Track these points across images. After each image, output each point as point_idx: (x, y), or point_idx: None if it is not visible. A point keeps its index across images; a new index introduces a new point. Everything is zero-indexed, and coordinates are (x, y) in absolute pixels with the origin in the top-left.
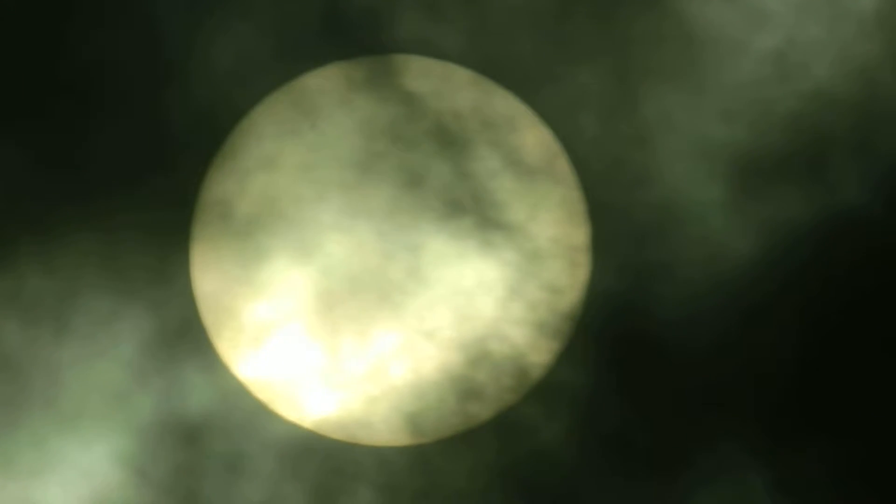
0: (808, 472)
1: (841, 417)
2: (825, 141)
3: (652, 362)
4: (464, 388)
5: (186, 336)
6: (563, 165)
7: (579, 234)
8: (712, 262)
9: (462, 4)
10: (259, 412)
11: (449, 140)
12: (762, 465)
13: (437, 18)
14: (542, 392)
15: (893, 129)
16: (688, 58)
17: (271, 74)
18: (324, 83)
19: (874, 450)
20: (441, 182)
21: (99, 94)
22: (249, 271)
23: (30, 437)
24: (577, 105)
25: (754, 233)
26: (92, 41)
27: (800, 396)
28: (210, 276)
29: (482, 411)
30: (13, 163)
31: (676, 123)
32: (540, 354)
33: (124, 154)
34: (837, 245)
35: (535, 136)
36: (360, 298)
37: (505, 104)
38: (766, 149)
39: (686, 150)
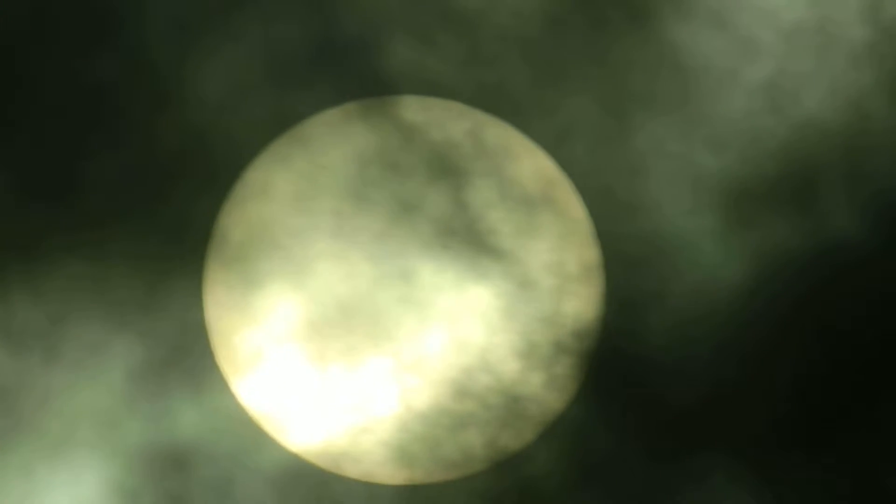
0: (794, 497)
1: (831, 442)
2: (816, 171)
3: (642, 390)
4: (455, 417)
5: (176, 364)
6: (565, 191)
7: (575, 263)
8: (703, 290)
9: (453, 33)
10: (249, 439)
11: (443, 168)
12: (751, 491)
13: (429, 45)
14: (534, 422)
15: (884, 159)
16: (679, 88)
17: (263, 102)
18: (317, 112)
19: (862, 469)
20: (436, 210)
21: (89, 121)
22: (241, 299)
23: (19, 464)
24: (568, 134)
25: (745, 261)
26: (83, 68)
27: (791, 426)
28: (201, 304)
29: (473, 441)
30: (1, 189)
31: (668, 152)
32: (532, 384)
33: (115, 182)
34: (828, 274)
35: (532, 164)
36: (353, 326)
37: (499, 133)
38: (756, 178)
39: (677, 179)
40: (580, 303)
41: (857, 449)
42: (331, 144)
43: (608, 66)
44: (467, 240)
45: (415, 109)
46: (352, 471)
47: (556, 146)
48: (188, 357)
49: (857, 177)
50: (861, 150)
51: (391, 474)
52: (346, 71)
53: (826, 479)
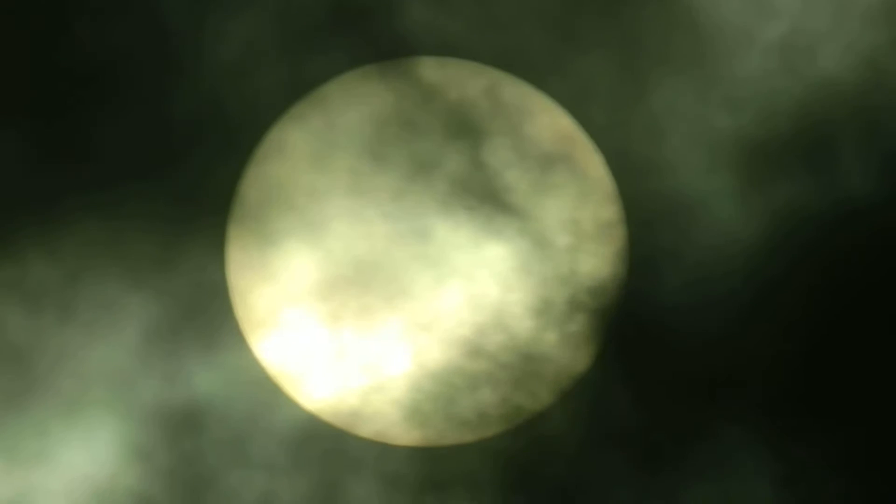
0: (812, 462)
1: (847, 405)
2: (832, 129)
3: (659, 349)
4: (469, 376)
5: (191, 323)
6: (584, 149)
7: (592, 221)
8: (719, 249)
9: None
10: (264, 399)
11: (460, 127)
12: (767, 454)
13: (445, 6)
14: (549, 381)
15: None
16: (695, 48)
17: (279, 66)
18: (334, 74)
19: (879, 438)
20: (454, 169)
21: (104, 85)
22: (258, 259)
23: (33, 424)
24: (584, 95)
25: (761, 220)
26: (98, 32)
27: (806, 384)
28: (217, 264)
29: (487, 400)
30: (18, 151)
31: (684, 113)
32: (548, 343)
33: (130, 143)
34: (844, 232)
35: (550, 122)
36: (369, 285)
37: (516, 91)
38: (772, 138)
39: (693, 139)
40: (597, 261)
41: (875, 411)
42: (348, 106)
43: (625, 25)
44: (484, 198)
45: (432, 70)
46: (366, 430)
47: (573, 105)
48: (203, 316)
49: (873, 135)
50: (877, 109)
51: (405, 434)
52: (363, 33)
53: (842, 443)
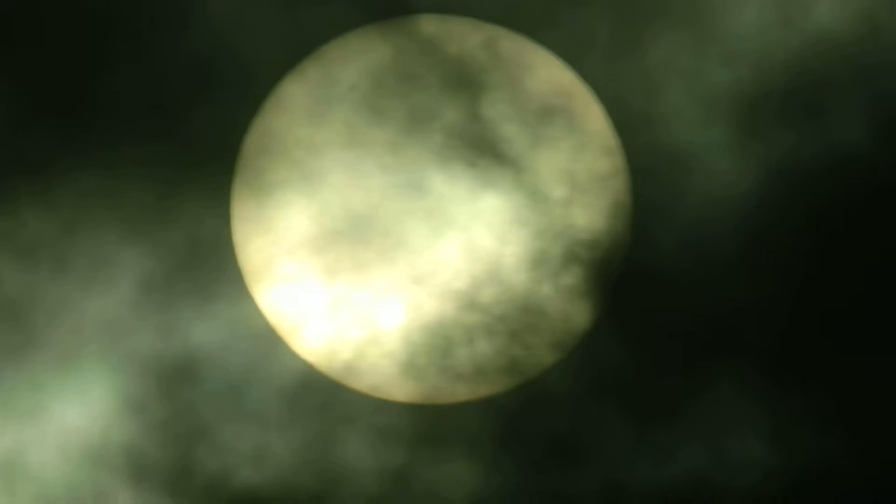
0: (804, 417)
1: (841, 355)
2: (826, 83)
3: (655, 301)
4: (465, 328)
5: (187, 275)
6: (583, 101)
7: (590, 173)
8: (715, 200)
9: None
10: (259, 351)
11: (460, 81)
12: (760, 408)
13: None
14: (546, 333)
15: (893, 70)
16: (692, 1)
17: (278, 21)
18: (333, 30)
19: (871, 389)
20: (452, 121)
21: (101, 38)
22: (256, 211)
23: (29, 376)
24: (582, 48)
25: (756, 172)
26: None
27: (800, 332)
28: (213, 215)
29: (483, 352)
30: (12, 105)
31: (681, 66)
32: (544, 295)
33: (127, 97)
34: (837, 182)
35: (548, 75)
36: (366, 237)
37: (514, 45)
38: (767, 91)
39: (690, 92)
40: (594, 213)
41: (868, 361)
42: (347, 62)
43: None
44: (481, 151)
45: (430, 26)
46: (361, 384)
47: (571, 58)
48: (200, 268)
49: (867, 89)
50: (872, 63)
51: (401, 388)
52: None
53: (833, 392)
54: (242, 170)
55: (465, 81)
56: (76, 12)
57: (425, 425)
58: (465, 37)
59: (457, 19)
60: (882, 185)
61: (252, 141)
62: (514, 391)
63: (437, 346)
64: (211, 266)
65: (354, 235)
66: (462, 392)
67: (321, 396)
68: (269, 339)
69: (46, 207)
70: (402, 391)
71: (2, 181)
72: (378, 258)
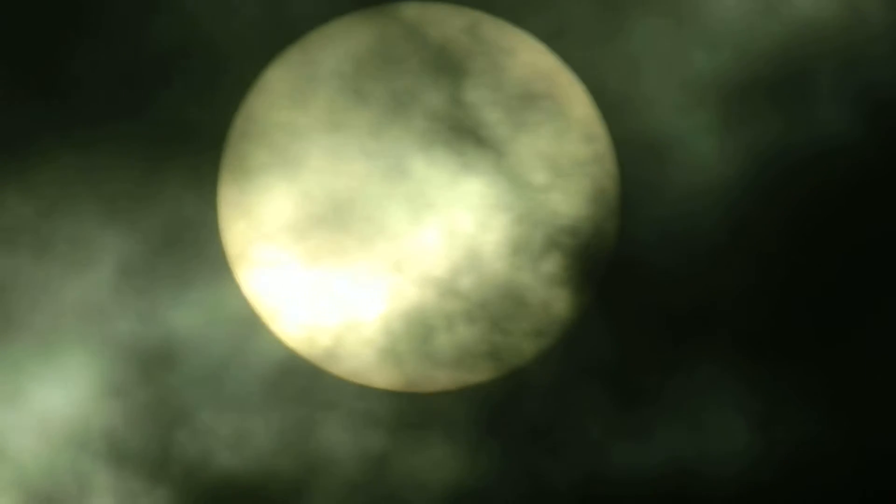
0: (786, 398)
1: (820, 337)
2: (809, 69)
3: (637, 285)
4: (445, 314)
5: (167, 258)
6: (566, 85)
7: (572, 157)
8: (696, 186)
9: None
10: (240, 335)
11: (441, 66)
12: (741, 390)
13: None
14: (525, 318)
15: (877, 57)
16: None
17: (259, 5)
18: (316, 13)
19: (851, 372)
20: (433, 106)
21: (82, 19)
22: (237, 195)
23: (8, 360)
24: (565, 33)
25: (737, 158)
26: None
27: (780, 317)
28: (193, 199)
29: (463, 339)
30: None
31: (663, 51)
32: (524, 280)
33: (107, 80)
34: (818, 168)
35: (531, 60)
36: (347, 222)
37: (497, 30)
38: (749, 77)
39: (673, 78)
40: (575, 199)
41: (848, 345)
42: (330, 47)
43: None
44: (463, 135)
45: (412, 11)
46: (342, 369)
47: (553, 45)
48: (180, 251)
49: (849, 75)
50: (855, 49)
51: (382, 374)
52: None
53: (816, 378)
54: (227, 153)
55: (447, 66)
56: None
57: (406, 412)
58: (447, 22)
59: (439, 5)
60: (865, 172)
61: (237, 125)
62: (495, 379)
63: (417, 332)
64: (192, 249)
65: (336, 220)
66: (443, 379)
67: (301, 382)
68: (250, 324)
69: (24, 189)
70: (382, 377)
71: None
72: (359, 243)
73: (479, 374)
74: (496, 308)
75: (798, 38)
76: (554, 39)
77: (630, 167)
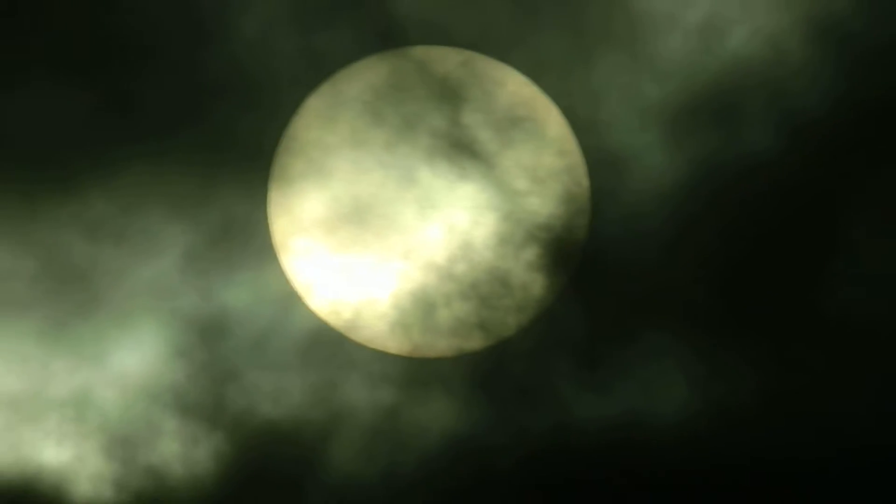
0: (722, 364)
1: (751, 315)
2: (739, 98)
3: (601, 272)
4: (444, 293)
5: (221, 247)
6: (546, 110)
7: (549, 168)
8: (649, 192)
9: None
10: (280, 310)
11: (443, 95)
12: (686, 357)
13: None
14: (508, 298)
15: (795, 87)
16: (630, 30)
17: (291, 38)
18: (338, 48)
19: (766, 337)
20: (436, 127)
21: (151, 54)
22: (279, 196)
23: (94, 330)
24: (542, 67)
25: (682, 170)
26: (146, 7)
27: (718, 298)
28: (242, 200)
29: (458, 314)
30: (80, 108)
31: (622, 83)
32: (508, 267)
33: (171, 102)
34: (748, 179)
35: (515, 89)
36: (367, 218)
37: (487, 65)
38: (691, 103)
39: (628, 103)
40: (552, 201)
41: (773, 321)
42: (356, 81)
43: (574, 11)
44: (461, 150)
45: (420, 52)
46: (361, 337)
47: (533, 75)
48: (232, 242)
49: (772, 101)
50: (777, 81)
51: (393, 342)
52: (363, 14)
53: (740, 345)
54: (275, 165)
55: (447, 95)
56: (132, 32)
57: (412, 372)
58: (447, 60)
59: (440, 47)
60: (783, 181)
61: (283, 143)
62: (484, 346)
63: (421, 308)
64: (242, 240)
65: (358, 217)
66: (442, 346)
67: (328, 347)
68: (289, 300)
69: (106, 191)
70: (393, 344)
71: (72, 170)
72: (376, 236)
73: (472, 343)
74: (485, 289)
75: (730, 71)
76: (534, 73)
77: (596, 176)
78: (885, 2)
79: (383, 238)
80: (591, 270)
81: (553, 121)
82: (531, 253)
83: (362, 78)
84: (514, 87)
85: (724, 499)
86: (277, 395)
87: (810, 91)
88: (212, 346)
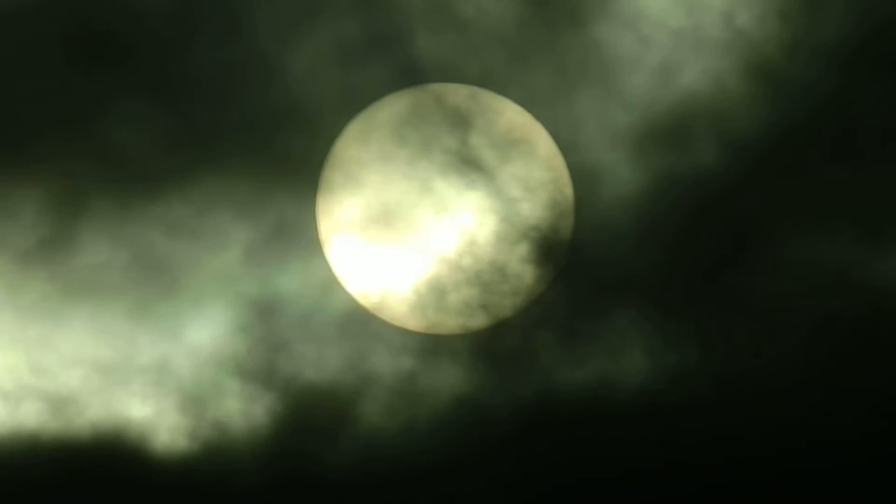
0: (671, 332)
1: (702, 296)
2: (691, 126)
3: (582, 261)
4: (454, 281)
5: (276, 243)
6: (537, 134)
7: (538, 180)
8: (621, 198)
9: (457, 32)
10: (323, 295)
11: (454, 121)
12: (645, 326)
13: (445, 44)
14: (506, 285)
15: (733, 116)
16: (603, 69)
17: (334, 77)
18: (372, 86)
19: (713, 316)
20: (449, 146)
21: (220, 88)
22: (321, 200)
23: (171, 310)
24: (534, 99)
25: (646, 180)
26: (216, 52)
27: (676, 283)
28: (294, 204)
29: (465, 298)
30: (165, 130)
31: (597, 111)
32: (506, 260)
33: (237, 126)
34: (698, 191)
35: (511, 117)
36: (393, 219)
37: (489, 98)
38: (653, 129)
39: (602, 128)
40: (542, 207)
41: (719, 300)
42: (386, 112)
43: (559, 54)
44: (469, 165)
45: (436, 88)
46: (387, 316)
47: (526, 105)
48: (286, 238)
49: (716, 126)
50: (722, 111)
51: (412, 320)
52: (390, 56)
53: (691, 322)
54: (323, 178)
55: (457, 121)
56: (204, 70)
57: (428, 345)
58: (457, 93)
59: (452, 84)
60: (726, 192)
61: (330, 161)
62: (486, 325)
63: (435, 293)
64: (294, 237)
65: (386, 219)
66: (452, 324)
67: (361, 324)
68: (331, 286)
69: (182, 196)
70: (413, 323)
71: (155, 180)
72: (400, 234)
73: (475, 322)
74: (487, 278)
75: (682, 103)
76: (527, 103)
77: (577, 186)
78: (806, 47)
79: (405, 236)
80: (573, 263)
81: (542, 142)
82: (524, 249)
83: (390, 108)
84: (510, 114)
85: (673, 438)
86: (318, 362)
87: (746, 119)
88: (267, 323)
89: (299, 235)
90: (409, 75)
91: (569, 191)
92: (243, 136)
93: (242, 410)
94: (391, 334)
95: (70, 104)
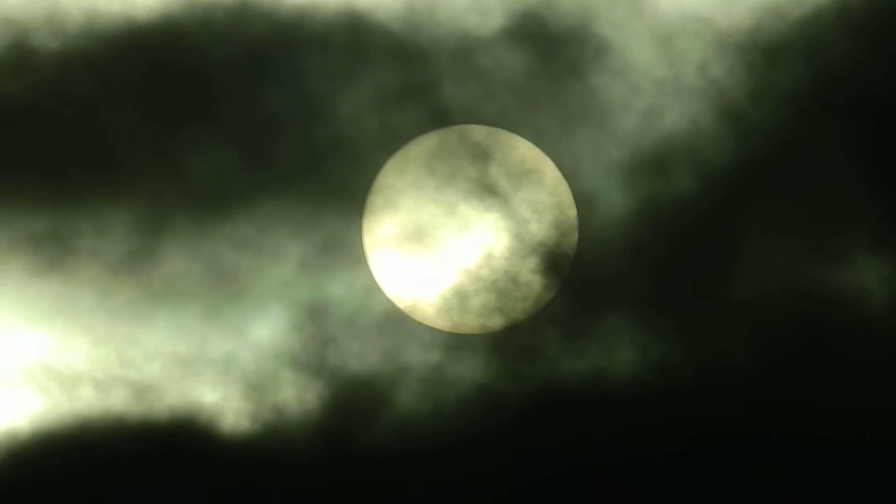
0: (656, 329)
1: (685, 296)
2: (673, 157)
3: (583, 271)
4: (473, 289)
5: (327, 255)
6: (546, 165)
7: (546, 203)
8: (615, 218)
9: (478, 82)
10: (365, 299)
11: (475, 155)
12: (635, 324)
13: (465, 88)
14: (518, 292)
15: (710, 152)
16: (600, 112)
17: (376, 118)
18: (409, 127)
19: (694, 316)
20: (471, 175)
21: (279, 126)
22: (366, 220)
23: (237, 312)
24: (543, 136)
25: (636, 203)
26: (277, 100)
27: (661, 288)
28: (341, 224)
29: (483, 303)
30: (232, 157)
31: (594, 145)
32: (518, 270)
33: (294, 159)
34: (678, 211)
35: (523, 152)
36: (423, 235)
37: (505, 137)
38: (641, 161)
39: (599, 160)
40: (549, 225)
41: (698, 304)
42: (422, 148)
43: (561, 101)
44: (488, 191)
45: (460, 129)
46: (418, 317)
47: (537, 142)
48: (335, 251)
49: (693, 160)
50: (697, 148)
51: (439, 321)
52: (424, 104)
53: (674, 321)
54: (369, 202)
55: (478, 154)
56: (261, 113)
57: (452, 343)
58: (478, 133)
59: (473, 125)
60: (701, 215)
61: (374, 189)
62: (501, 326)
63: (458, 298)
64: (340, 251)
65: (417, 236)
66: (473, 325)
67: (396, 323)
68: (372, 291)
69: (247, 216)
70: (440, 323)
71: (225, 204)
72: (428, 249)
73: (493, 323)
74: (502, 286)
75: (666, 140)
76: (537, 139)
77: (579, 209)
78: (769, 95)
79: (434, 250)
80: (576, 273)
81: (549, 171)
82: (533, 261)
83: (423, 145)
84: (522, 149)
85: (659, 420)
86: (361, 356)
87: (717, 154)
88: (317, 323)
89: (346, 250)
90: (439, 118)
91: (572, 212)
92: (300, 167)
93: (296, 397)
94: (422, 333)
95: (155, 137)
